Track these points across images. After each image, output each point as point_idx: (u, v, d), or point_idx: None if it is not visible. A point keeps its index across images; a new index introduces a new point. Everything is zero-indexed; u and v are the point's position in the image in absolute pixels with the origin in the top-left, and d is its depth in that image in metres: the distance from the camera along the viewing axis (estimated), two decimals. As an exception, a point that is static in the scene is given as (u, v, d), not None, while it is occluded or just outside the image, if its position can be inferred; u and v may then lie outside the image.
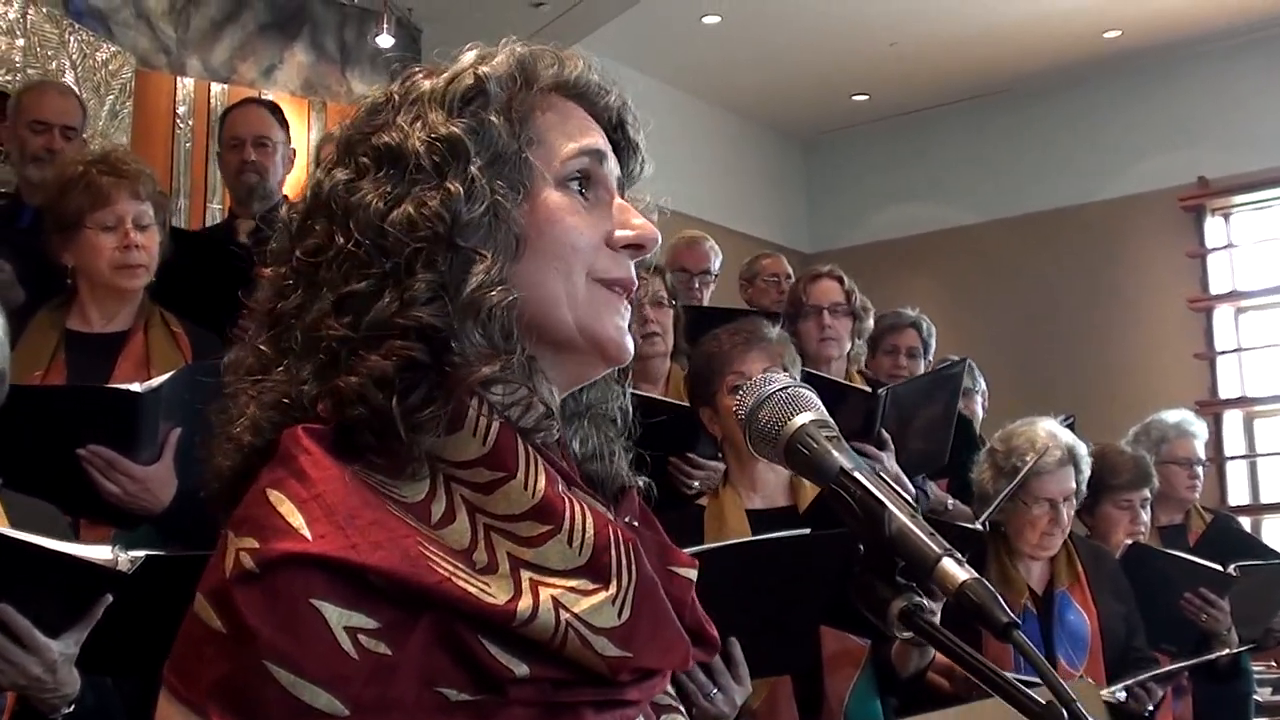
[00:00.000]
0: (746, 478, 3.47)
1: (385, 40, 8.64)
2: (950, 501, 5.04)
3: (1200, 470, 5.61)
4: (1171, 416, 5.72)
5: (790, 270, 6.43)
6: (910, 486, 4.42)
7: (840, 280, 5.28)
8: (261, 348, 1.30)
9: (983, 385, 6.04)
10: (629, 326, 1.35)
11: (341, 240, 1.25)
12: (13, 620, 2.31)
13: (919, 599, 1.15)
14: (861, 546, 1.19)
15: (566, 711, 1.18)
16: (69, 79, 7.33)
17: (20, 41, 7.18)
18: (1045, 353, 11.47)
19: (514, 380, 1.26)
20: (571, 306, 1.30)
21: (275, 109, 5.18)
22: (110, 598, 2.40)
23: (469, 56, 1.37)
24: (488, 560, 1.18)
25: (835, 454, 1.20)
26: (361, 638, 1.10)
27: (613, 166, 1.38)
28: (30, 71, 7.11)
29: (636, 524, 1.37)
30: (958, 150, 12.72)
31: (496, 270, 1.24)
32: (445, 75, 1.34)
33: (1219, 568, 4.61)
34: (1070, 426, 5.40)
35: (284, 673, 1.07)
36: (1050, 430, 4.27)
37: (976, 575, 1.09)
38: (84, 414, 3.11)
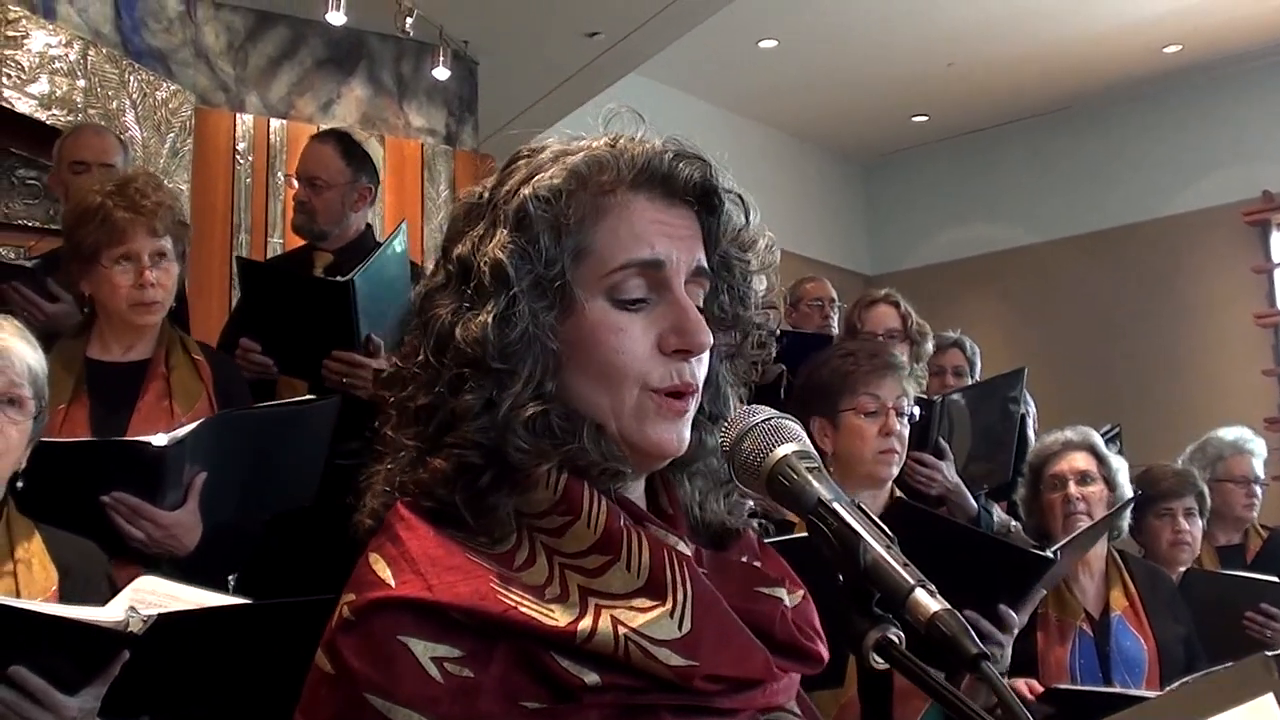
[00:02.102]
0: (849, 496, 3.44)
1: (442, 73, 8.68)
2: (1013, 524, 5.00)
3: (1258, 489, 5.51)
4: (1228, 434, 5.62)
5: (834, 294, 6.40)
6: (971, 501, 4.40)
7: (896, 305, 5.27)
8: (389, 433, 1.44)
9: (1033, 408, 5.97)
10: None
11: (421, 356, 1.39)
12: (27, 681, 2.36)
13: (895, 630, 1.15)
14: (840, 577, 1.19)
15: (644, 713, 1.27)
16: (129, 118, 7.43)
17: (81, 82, 7.26)
18: (1110, 372, 11.37)
19: (580, 458, 1.35)
20: (616, 417, 1.37)
21: (344, 143, 4.98)
22: (127, 654, 2.43)
23: (547, 153, 1.43)
24: (560, 592, 1.30)
25: (815, 485, 1.21)
26: (447, 665, 1.22)
27: (677, 262, 1.39)
28: (91, 112, 7.20)
29: (757, 562, 1.47)
30: (1018, 169, 12.66)
31: (532, 388, 1.34)
32: (516, 179, 1.41)
33: (1277, 580, 4.55)
34: (1116, 437, 5.34)
35: (380, 701, 1.21)
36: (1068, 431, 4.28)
37: (948, 606, 1.08)
38: (108, 464, 3.14)
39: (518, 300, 1.34)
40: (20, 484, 2.84)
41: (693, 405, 1.39)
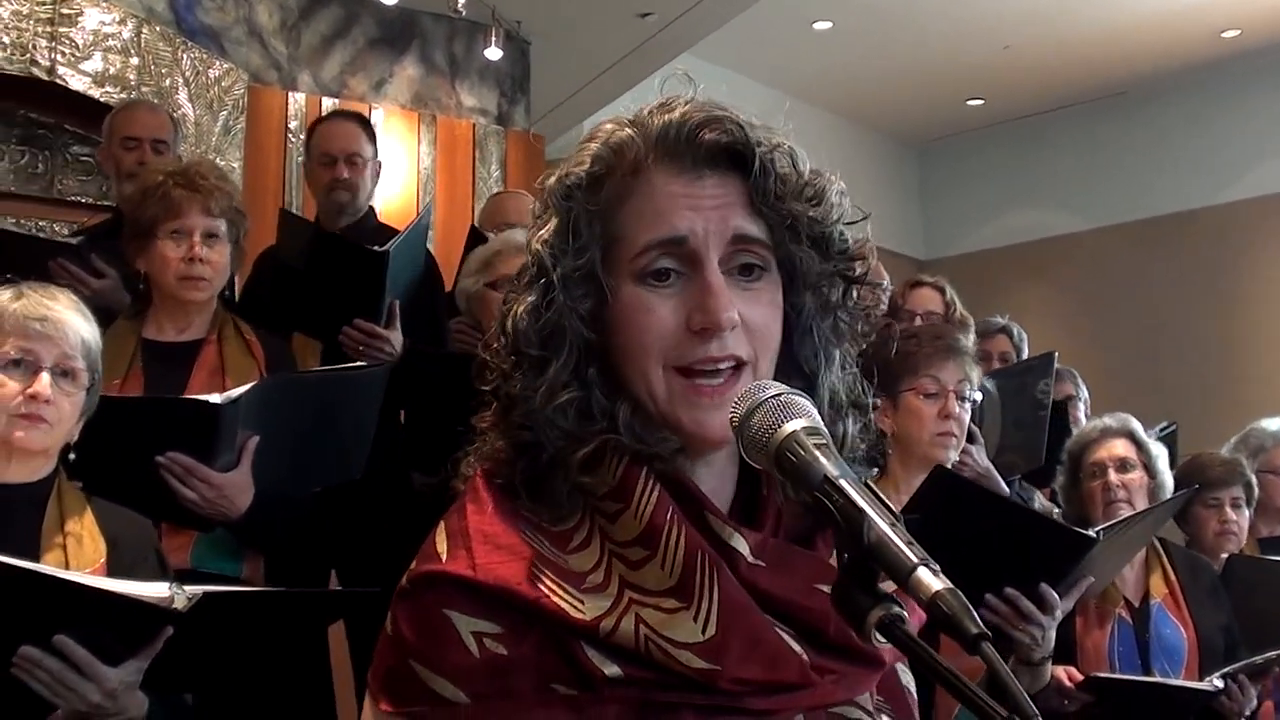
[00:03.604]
0: (906, 478, 3.49)
1: (494, 53, 8.72)
2: (1055, 511, 4.96)
3: None
4: (1271, 424, 5.53)
5: (886, 277, 6.37)
6: (1003, 484, 4.37)
7: (941, 291, 5.27)
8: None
9: (1085, 393, 5.91)
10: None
11: (497, 342, 1.43)
12: (72, 651, 2.41)
13: (898, 609, 1.13)
14: (845, 555, 1.18)
15: (665, 711, 1.28)
16: (182, 96, 7.49)
17: (135, 60, 7.32)
18: (1164, 361, 11.28)
19: (618, 444, 1.35)
20: (653, 399, 1.36)
21: (365, 122, 5.16)
22: (171, 630, 2.47)
23: (593, 135, 1.44)
24: (602, 580, 1.32)
25: (822, 461, 1.18)
26: (486, 640, 1.27)
27: (704, 234, 1.36)
28: (144, 89, 7.26)
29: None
30: (1073, 154, 12.58)
31: (568, 374, 1.36)
32: (558, 172, 1.43)
33: None
34: (1171, 435, 5.26)
35: (421, 668, 1.28)
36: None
37: (950, 586, 1.06)
38: (164, 423, 3.18)
39: (552, 289, 1.36)
40: (73, 456, 2.89)
41: (741, 383, 1.34)
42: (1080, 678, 3.59)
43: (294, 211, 7.17)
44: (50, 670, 2.39)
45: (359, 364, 3.75)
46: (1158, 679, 3.76)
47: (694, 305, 1.35)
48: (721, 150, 1.39)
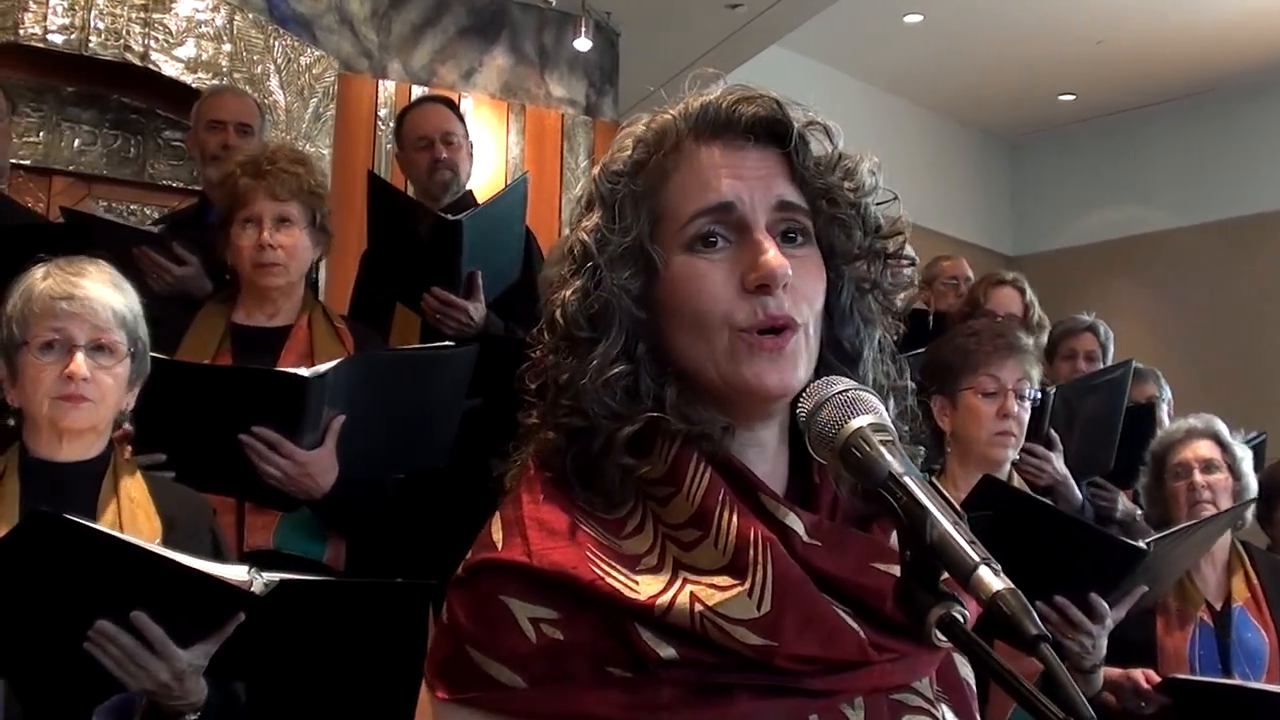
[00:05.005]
0: (964, 476, 3.45)
1: (583, 44, 8.73)
2: (1139, 513, 4.91)
3: None
4: None
5: (970, 273, 6.32)
6: (1077, 491, 4.33)
7: (1022, 291, 5.24)
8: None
9: (1168, 394, 5.84)
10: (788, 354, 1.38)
11: (545, 337, 1.45)
12: (146, 627, 2.41)
13: (960, 608, 1.13)
14: (907, 552, 1.18)
15: (719, 693, 1.28)
16: (273, 83, 7.59)
17: (227, 47, 7.44)
18: (1252, 363, 11.10)
19: (664, 423, 1.37)
20: (714, 364, 1.37)
21: (452, 105, 5.21)
22: (243, 616, 2.48)
23: (630, 128, 1.48)
24: (656, 563, 1.33)
25: (887, 458, 1.19)
26: (543, 626, 1.28)
27: (750, 201, 1.39)
28: (236, 76, 7.38)
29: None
30: (1165, 151, 12.40)
31: (618, 351, 1.39)
32: (602, 161, 1.47)
33: None
34: (1260, 445, 5.18)
35: (478, 654, 1.29)
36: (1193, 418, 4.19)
37: (1011, 586, 1.06)
38: (250, 396, 3.18)
39: (599, 271, 1.39)
40: (128, 425, 2.92)
41: (795, 342, 1.37)
42: (1158, 680, 3.56)
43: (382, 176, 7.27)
44: (124, 647, 2.40)
45: (447, 344, 3.76)
46: (1238, 682, 3.72)
47: (746, 265, 1.36)
48: (760, 123, 1.42)
